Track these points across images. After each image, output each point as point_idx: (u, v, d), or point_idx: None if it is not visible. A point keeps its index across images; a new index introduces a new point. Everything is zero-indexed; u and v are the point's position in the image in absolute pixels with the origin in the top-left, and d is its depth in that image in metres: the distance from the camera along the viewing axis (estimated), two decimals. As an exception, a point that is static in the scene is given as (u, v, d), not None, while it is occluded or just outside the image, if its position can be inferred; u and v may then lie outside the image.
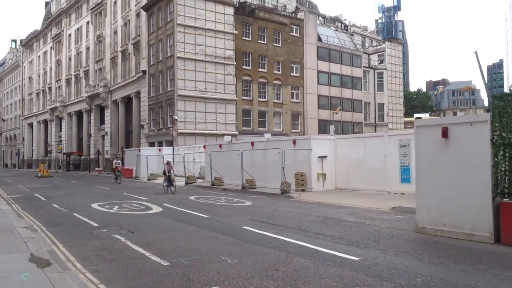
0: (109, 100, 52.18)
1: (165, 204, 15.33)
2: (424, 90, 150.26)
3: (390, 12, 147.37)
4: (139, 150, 36.74)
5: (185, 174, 27.96)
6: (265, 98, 45.59)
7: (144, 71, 43.85)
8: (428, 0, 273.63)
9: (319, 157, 19.82)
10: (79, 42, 62.15)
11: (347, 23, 68.45)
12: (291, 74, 47.83)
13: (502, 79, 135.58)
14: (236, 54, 41.95)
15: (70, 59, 65.18)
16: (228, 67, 40.89)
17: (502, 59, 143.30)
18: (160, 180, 31.57)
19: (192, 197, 18.09)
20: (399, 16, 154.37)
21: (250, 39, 44.39)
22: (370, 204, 14.62)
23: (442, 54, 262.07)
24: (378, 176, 18.12)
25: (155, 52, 42.07)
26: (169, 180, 20.65)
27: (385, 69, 58.79)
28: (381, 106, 58.96)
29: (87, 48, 59.43)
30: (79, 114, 62.23)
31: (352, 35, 61.64)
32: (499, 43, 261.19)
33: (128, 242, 8.66)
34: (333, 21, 66.73)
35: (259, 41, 45.12)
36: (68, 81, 65.32)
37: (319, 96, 50.96)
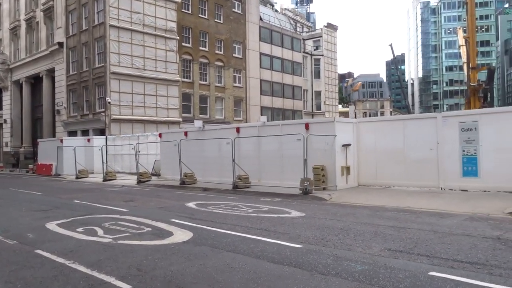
0: (8, 81, 42.42)
1: (177, 221, 9.71)
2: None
3: (303, 4, 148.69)
4: (61, 141, 29.14)
5: (138, 170, 21.96)
6: (206, 81, 40.12)
7: (60, 44, 35.49)
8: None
9: (343, 145, 15.57)
10: (-37, 8, 50.04)
11: (277, 8, 64.94)
12: (233, 55, 42.91)
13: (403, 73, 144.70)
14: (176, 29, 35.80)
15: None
16: (170, 42, 34.61)
17: (404, 53, 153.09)
18: (97, 179, 24.84)
19: (191, 204, 12.64)
20: (311, 8, 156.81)
21: (190, 11, 38.49)
22: (457, 208, 10.70)
23: (349, 48, 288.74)
24: (426, 168, 14.42)
25: (77, 20, 34.08)
26: None
27: (322, 55, 56.54)
28: (318, 94, 56.69)
29: (-25, 17, 47.96)
30: (-35, 98, 50.45)
31: (286, 19, 58.25)
32: (402, 39, 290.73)
33: None
34: (264, 3, 62.68)
35: (200, 15, 39.44)
36: None
37: (261, 81, 46.76)
